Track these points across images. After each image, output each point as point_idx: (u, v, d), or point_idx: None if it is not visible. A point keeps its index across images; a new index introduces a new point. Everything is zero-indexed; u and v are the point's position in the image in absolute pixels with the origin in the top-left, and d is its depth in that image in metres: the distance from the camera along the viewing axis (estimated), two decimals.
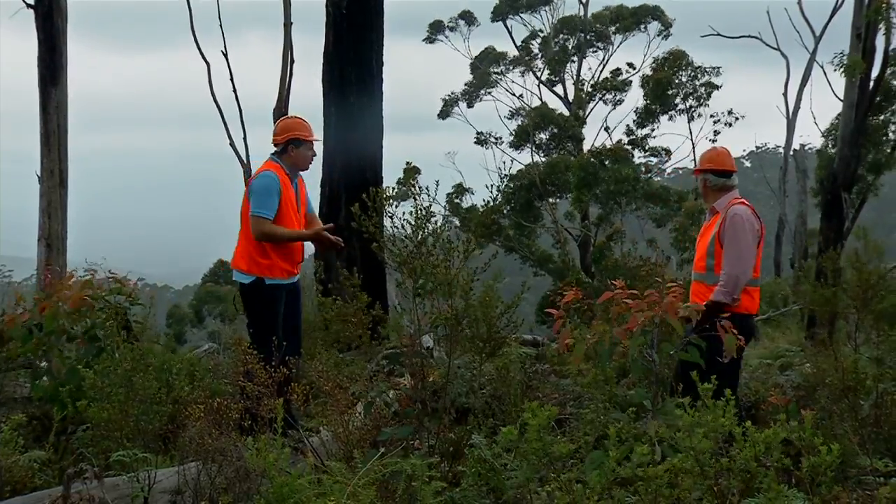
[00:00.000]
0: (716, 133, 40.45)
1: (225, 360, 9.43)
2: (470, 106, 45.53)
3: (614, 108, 42.51)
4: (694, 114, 40.12)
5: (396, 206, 5.68)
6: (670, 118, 40.29)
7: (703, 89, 39.52)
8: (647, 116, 39.99)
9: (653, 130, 40.40)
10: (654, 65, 40.05)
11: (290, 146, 7.43)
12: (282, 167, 7.42)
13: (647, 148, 40.10)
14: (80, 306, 7.43)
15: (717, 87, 39.77)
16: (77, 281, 7.73)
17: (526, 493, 4.47)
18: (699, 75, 39.26)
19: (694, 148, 40.67)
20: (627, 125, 40.85)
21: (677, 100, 39.55)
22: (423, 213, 5.52)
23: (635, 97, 46.13)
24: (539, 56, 44.94)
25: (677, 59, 38.80)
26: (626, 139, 39.89)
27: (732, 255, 6.58)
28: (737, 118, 40.77)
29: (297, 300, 7.56)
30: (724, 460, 3.62)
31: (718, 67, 39.51)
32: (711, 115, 40.60)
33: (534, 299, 32.88)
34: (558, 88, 44.58)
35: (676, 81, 38.92)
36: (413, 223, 5.53)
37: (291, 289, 7.47)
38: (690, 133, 40.39)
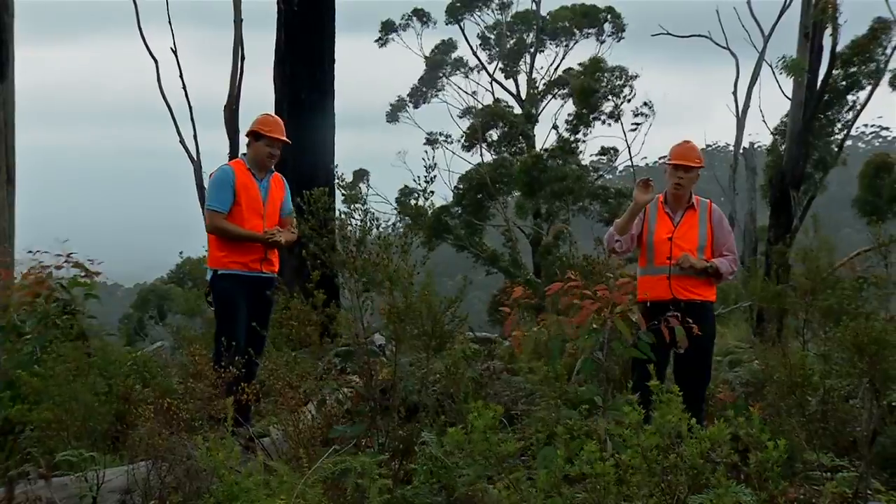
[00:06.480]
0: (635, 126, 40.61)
1: (178, 358, 9.35)
2: (416, 107, 45.84)
3: (563, 106, 42.45)
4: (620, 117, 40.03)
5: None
6: (603, 122, 40.38)
7: (626, 93, 39.61)
8: (578, 121, 40.02)
9: (585, 135, 40.48)
10: (575, 72, 40.19)
11: (252, 140, 7.40)
12: (244, 163, 7.39)
13: (578, 152, 39.92)
14: (36, 295, 7.38)
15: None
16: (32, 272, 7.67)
17: (477, 491, 4.48)
18: (618, 79, 39.14)
19: (629, 147, 40.75)
20: (558, 131, 40.97)
21: (603, 104, 39.55)
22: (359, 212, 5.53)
23: None
24: (493, 51, 44.97)
25: (595, 66, 38.77)
26: (556, 144, 39.83)
27: (734, 243, 6.92)
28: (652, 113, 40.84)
29: (267, 297, 7.34)
30: (671, 456, 3.63)
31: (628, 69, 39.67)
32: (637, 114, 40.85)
33: (487, 297, 32.93)
34: (511, 86, 44.70)
35: (600, 87, 38.76)
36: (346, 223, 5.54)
37: (258, 284, 7.29)
38: (625, 134, 40.41)
